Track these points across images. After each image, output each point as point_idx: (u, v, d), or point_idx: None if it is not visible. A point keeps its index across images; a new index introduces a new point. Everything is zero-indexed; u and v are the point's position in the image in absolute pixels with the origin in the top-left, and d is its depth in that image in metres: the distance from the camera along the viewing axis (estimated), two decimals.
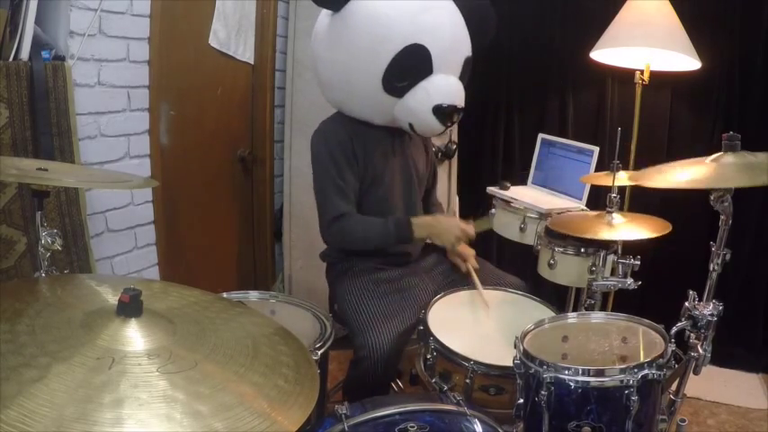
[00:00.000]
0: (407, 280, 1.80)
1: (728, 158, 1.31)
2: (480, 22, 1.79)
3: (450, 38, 1.70)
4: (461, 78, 1.74)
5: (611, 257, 1.79)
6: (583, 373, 1.20)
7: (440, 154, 2.65)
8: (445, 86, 1.67)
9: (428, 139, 2.01)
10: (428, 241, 1.99)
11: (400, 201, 1.85)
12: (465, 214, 2.73)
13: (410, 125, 1.71)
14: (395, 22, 1.62)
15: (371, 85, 1.66)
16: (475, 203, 2.72)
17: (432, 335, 1.53)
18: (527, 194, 2.36)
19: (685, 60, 2.33)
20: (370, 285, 1.74)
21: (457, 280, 1.87)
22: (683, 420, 1.39)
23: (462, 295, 1.77)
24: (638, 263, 1.69)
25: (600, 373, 1.20)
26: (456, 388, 1.45)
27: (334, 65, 1.72)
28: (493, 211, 2.37)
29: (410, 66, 1.63)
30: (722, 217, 1.30)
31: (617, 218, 1.75)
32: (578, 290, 2.15)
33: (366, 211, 1.77)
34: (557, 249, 1.85)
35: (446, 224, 1.81)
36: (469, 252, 1.89)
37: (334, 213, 1.70)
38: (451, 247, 1.82)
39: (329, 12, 1.69)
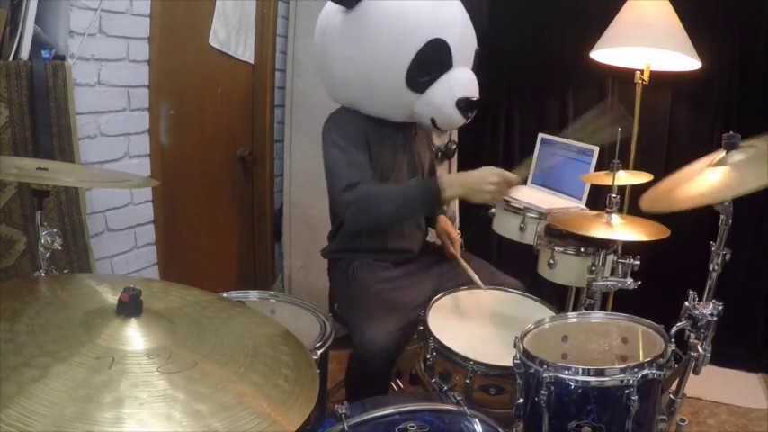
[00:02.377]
0: (407, 279, 1.80)
1: (730, 159, 1.30)
2: (474, 14, 1.79)
3: (463, 31, 1.71)
4: (472, 70, 1.74)
5: (610, 257, 1.79)
6: (583, 373, 1.20)
7: (440, 154, 2.65)
8: (465, 79, 1.68)
9: (429, 133, 2.01)
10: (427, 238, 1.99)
11: None
12: (465, 215, 2.73)
13: (432, 120, 1.70)
14: (416, 18, 1.62)
15: (394, 81, 1.65)
16: (475, 204, 2.71)
17: (432, 335, 1.53)
18: (527, 194, 2.36)
19: (685, 60, 2.33)
20: (370, 282, 1.74)
21: (457, 280, 1.86)
22: (683, 420, 1.40)
23: (462, 295, 1.77)
24: (638, 263, 1.69)
25: (600, 372, 1.20)
26: (456, 388, 1.45)
27: (353, 63, 1.69)
28: (493, 210, 2.37)
29: (433, 60, 1.63)
30: (722, 217, 1.30)
31: (616, 219, 1.76)
32: (578, 290, 2.15)
33: None
34: (556, 249, 1.85)
35: (477, 178, 1.58)
36: (455, 239, 1.94)
37: (347, 182, 1.60)
38: (491, 200, 1.65)
39: (339, 9, 1.68)
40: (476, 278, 1.79)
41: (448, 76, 1.65)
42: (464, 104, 1.65)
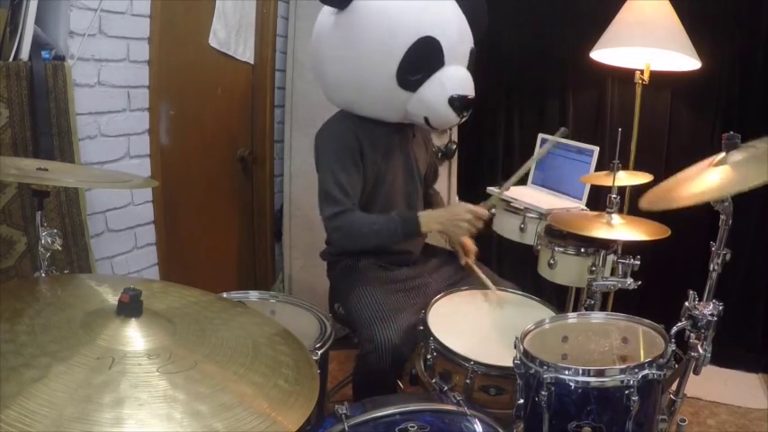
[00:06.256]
0: (414, 280, 1.80)
1: (731, 159, 1.30)
2: (474, 16, 1.79)
3: (457, 29, 1.71)
4: (468, 69, 1.74)
5: (611, 257, 1.79)
6: (583, 374, 1.20)
7: (440, 154, 2.65)
8: (459, 77, 1.68)
9: (428, 135, 2.01)
10: (428, 240, 1.99)
11: (401, 198, 1.85)
12: None
13: (426, 119, 1.70)
14: (405, 16, 1.62)
15: (385, 80, 1.65)
16: (475, 203, 2.71)
17: (432, 335, 1.53)
18: (527, 194, 2.36)
19: (685, 60, 2.33)
20: (376, 283, 1.74)
21: (461, 281, 1.86)
22: (683, 420, 1.39)
23: (462, 295, 1.77)
24: (638, 263, 1.69)
25: (600, 373, 1.20)
26: (456, 388, 1.45)
27: (343, 64, 1.70)
28: (493, 210, 2.36)
29: (423, 58, 1.63)
30: (722, 217, 1.29)
31: (616, 219, 1.76)
32: (578, 290, 2.14)
33: (369, 208, 1.76)
34: (557, 249, 1.85)
35: (452, 215, 1.72)
36: (471, 249, 1.89)
37: (334, 209, 1.66)
38: (465, 236, 1.76)
39: (332, 11, 1.68)
40: (488, 282, 1.80)
41: (440, 73, 1.65)
42: (458, 102, 1.65)
